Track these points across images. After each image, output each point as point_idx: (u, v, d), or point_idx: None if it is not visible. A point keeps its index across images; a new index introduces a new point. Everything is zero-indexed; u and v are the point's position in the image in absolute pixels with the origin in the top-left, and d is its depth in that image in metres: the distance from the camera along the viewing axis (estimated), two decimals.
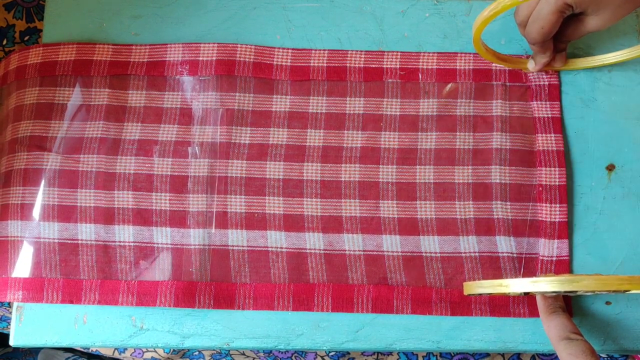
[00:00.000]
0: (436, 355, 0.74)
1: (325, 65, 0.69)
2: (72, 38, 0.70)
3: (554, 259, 0.64)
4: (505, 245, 0.64)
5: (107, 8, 0.72)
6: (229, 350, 0.77)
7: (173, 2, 0.71)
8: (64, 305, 0.65)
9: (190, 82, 0.69)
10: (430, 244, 0.64)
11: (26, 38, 0.76)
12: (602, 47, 0.70)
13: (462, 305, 0.63)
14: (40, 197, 0.66)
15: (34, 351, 0.86)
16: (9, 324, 0.71)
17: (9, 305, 0.78)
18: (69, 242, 0.65)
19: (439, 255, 0.64)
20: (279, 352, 0.76)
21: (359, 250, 0.64)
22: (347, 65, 0.69)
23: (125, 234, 0.65)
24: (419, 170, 0.66)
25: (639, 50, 0.66)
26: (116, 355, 0.78)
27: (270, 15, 0.71)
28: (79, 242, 0.65)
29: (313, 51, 0.69)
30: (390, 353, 0.75)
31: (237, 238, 0.65)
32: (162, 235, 0.65)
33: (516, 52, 0.69)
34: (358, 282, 0.64)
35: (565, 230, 0.64)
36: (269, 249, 0.65)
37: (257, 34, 0.71)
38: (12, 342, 0.65)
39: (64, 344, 0.65)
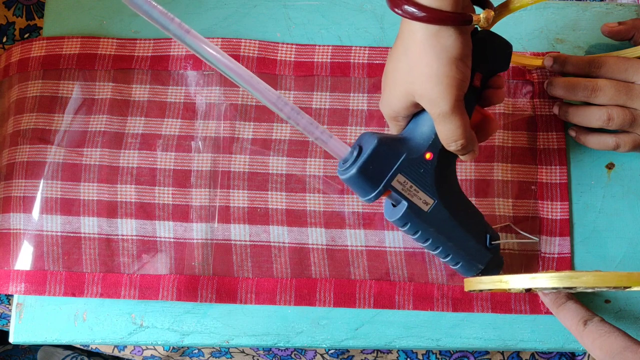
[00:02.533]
0: (435, 353, 0.74)
1: (329, 61, 0.69)
2: (73, 35, 0.70)
3: (556, 256, 0.64)
4: (507, 242, 0.64)
5: (107, 5, 0.72)
6: (228, 348, 0.76)
7: None
8: (63, 302, 0.65)
9: (194, 77, 0.69)
10: None
11: (26, 35, 0.76)
12: (602, 47, 0.70)
13: (464, 302, 0.63)
14: (43, 190, 0.66)
15: (33, 349, 0.86)
16: (9, 322, 0.70)
17: (9, 302, 0.78)
18: (72, 235, 0.65)
19: None
20: (279, 349, 0.76)
21: (362, 246, 0.64)
22: (351, 61, 0.69)
23: (128, 227, 0.65)
24: None
25: (639, 51, 0.66)
26: (115, 353, 0.78)
27: (271, 13, 0.71)
28: (82, 235, 0.65)
29: (317, 47, 0.70)
30: (389, 351, 0.75)
31: (239, 233, 0.65)
32: (165, 229, 0.65)
33: (516, 50, 0.69)
34: (360, 277, 0.64)
35: (567, 227, 0.65)
36: (272, 243, 0.65)
37: (258, 31, 0.71)
38: (12, 339, 0.65)
39: (64, 341, 0.65)
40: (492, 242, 0.59)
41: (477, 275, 0.60)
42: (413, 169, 0.55)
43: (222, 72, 0.49)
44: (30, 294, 0.64)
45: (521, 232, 0.64)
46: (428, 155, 0.55)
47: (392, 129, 0.59)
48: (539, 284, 0.51)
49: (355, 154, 0.53)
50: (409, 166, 0.54)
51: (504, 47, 0.56)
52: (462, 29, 0.49)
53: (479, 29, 0.55)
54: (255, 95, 0.50)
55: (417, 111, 0.55)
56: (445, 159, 0.56)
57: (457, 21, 0.48)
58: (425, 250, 0.63)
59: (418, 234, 0.57)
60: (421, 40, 0.49)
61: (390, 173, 0.54)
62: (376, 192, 0.54)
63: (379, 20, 0.71)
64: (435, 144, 0.55)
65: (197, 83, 0.68)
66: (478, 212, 0.60)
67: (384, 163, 0.54)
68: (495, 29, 0.58)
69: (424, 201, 0.55)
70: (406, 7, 0.48)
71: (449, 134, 0.52)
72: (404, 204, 0.55)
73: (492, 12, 0.51)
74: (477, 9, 0.53)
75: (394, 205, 0.57)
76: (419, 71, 0.50)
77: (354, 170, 0.53)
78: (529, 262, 0.64)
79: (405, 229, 0.57)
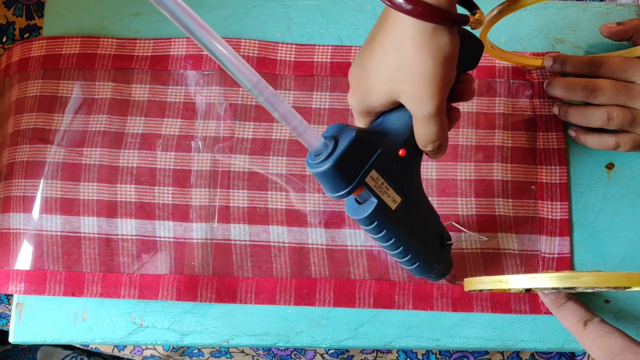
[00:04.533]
0: (435, 353, 0.74)
1: (328, 60, 0.69)
2: (72, 35, 0.70)
3: (556, 256, 0.64)
4: (507, 242, 0.64)
5: (107, 5, 0.72)
6: (228, 348, 0.76)
7: None
8: (63, 302, 0.65)
9: (194, 77, 0.69)
10: None
11: (26, 35, 0.76)
12: (602, 47, 0.70)
13: (464, 302, 0.63)
14: (43, 189, 0.66)
15: (33, 349, 0.86)
16: (9, 321, 0.70)
17: (9, 302, 0.78)
18: (72, 235, 0.65)
19: None
20: (279, 349, 0.75)
21: (361, 246, 0.64)
22: (351, 61, 0.69)
23: (127, 227, 0.65)
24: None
25: (639, 51, 0.66)
26: (115, 352, 0.78)
27: (271, 13, 0.71)
28: (82, 235, 0.65)
29: (317, 47, 0.70)
30: (389, 351, 0.75)
31: (239, 232, 0.65)
32: (165, 229, 0.65)
33: (516, 50, 0.69)
34: (360, 277, 0.64)
35: (567, 227, 0.65)
36: (272, 243, 0.65)
37: (257, 31, 0.71)
38: (12, 339, 0.65)
39: (64, 341, 0.65)
40: (447, 242, 0.58)
41: (430, 276, 0.59)
42: (386, 165, 0.51)
43: (197, 42, 0.40)
44: (30, 293, 0.64)
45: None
46: (401, 152, 0.52)
47: (360, 123, 0.55)
48: (539, 284, 0.51)
49: (330, 146, 0.48)
50: (383, 162, 0.50)
51: (478, 46, 0.55)
52: (454, 29, 0.47)
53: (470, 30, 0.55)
54: (233, 72, 0.41)
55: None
56: (415, 156, 0.54)
57: (454, 21, 0.46)
58: None
59: (382, 233, 0.53)
60: (415, 37, 0.46)
61: (365, 168, 0.50)
62: (349, 188, 0.49)
63: None
64: (409, 140, 0.52)
65: (197, 83, 0.68)
66: (435, 212, 0.58)
67: (360, 157, 0.50)
68: (495, 28, 0.58)
69: (393, 199, 0.52)
70: (403, 1, 0.45)
71: (429, 136, 0.51)
72: (373, 201, 0.51)
73: (483, 15, 0.50)
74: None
75: (358, 203, 0.53)
76: (412, 69, 0.47)
77: (329, 164, 0.47)
78: (529, 262, 0.64)
79: (370, 227, 0.52)
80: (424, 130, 0.50)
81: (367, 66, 0.51)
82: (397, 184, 0.52)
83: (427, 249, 0.56)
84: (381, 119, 0.54)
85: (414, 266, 0.57)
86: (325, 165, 0.48)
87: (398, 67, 0.48)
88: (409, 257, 0.56)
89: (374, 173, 0.50)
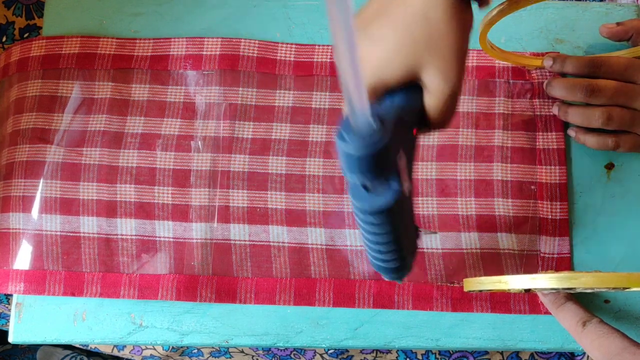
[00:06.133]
0: (435, 353, 0.74)
1: (328, 60, 0.69)
2: (72, 35, 0.70)
3: (555, 256, 0.64)
4: (506, 241, 0.64)
5: (107, 5, 0.72)
6: (227, 348, 0.76)
7: None
8: (63, 302, 0.65)
9: (194, 77, 0.69)
10: (432, 240, 0.64)
11: (26, 35, 0.76)
12: (602, 47, 0.70)
13: (463, 302, 0.63)
14: (42, 189, 0.66)
15: (32, 349, 0.86)
16: (8, 321, 0.70)
17: (8, 302, 0.78)
18: (71, 234, 0.65)
19: (440, 251, 0.64)
20: (278, 349, 0.75)
21: (361, 246, 0.64)
22: None
23: (127, 227, 0.65)
24: (421, 166, 0.66)
25: (639, 51, 0.66)
26: (115, 352, 0.78)
27: (271, 13, 0.71)
28: (81, 235, 0.65)
29: (317, 47, 0.70)
30: (389, 351, 0.74)
31: (239, 232, 0.65)
32: (165, 229, 0.65)
33: (516, 50, 0.69)
34: (360, 277, 0.64)
35: (566, 227, 0.64)
36: (271, 243, 0.65)
37: (257, 31, 0.71)
38: (11, 338, 0.65)
39: (63, 341, 0.65)
40: (418, 231, 0.52)
41: (404, 274, 0.52)
42: (407, 145, 0.45)
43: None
44: (29, 293, 0.64)
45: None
46: (414, 131, 0.47)
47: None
48: (539, 284, 0.51)
49: (379, 126, 0.39)
50: (407, 142, 0.45)
51: None
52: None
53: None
54: (352, 98, 0.35)
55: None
56: (419, 134, 0.49)
57: None
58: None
59: (391, 225, 0.44)
60: (448, 11, 0.43)
61: (398, 148, 0.42)
62: (388, 171, 0.41)
63: None
64: (419, 118, 0.47)
65: (197, 83, 0.68)
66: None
67: (397, 138, 0.41)
68: (495, 28, 0.58)
69: (408, 183, 0.45)
70: None
71: (449, 113, 0.47)
72: (395, 185, 0.42)
73: None
74: None
75: (367, 190, 0.43)
76: (445, 43, 0.44)
77: (375, 147, 0.38)
78: (529, 262, 0.64)
79: (381, 218, 0.43)
80: (444, 107, 0.46)
81: (383, 37, 0.46)
82: (409, 166, 0.46)
83: (411, 241, 0.51)
84: (393, 97, 0.47)
85: (394, 263, 0.49)
86: (378, 146, 0.39)
87: (428, 40, 0.44)
88: (400, 251, 0.48)
89: (401, 152, 0.43)
